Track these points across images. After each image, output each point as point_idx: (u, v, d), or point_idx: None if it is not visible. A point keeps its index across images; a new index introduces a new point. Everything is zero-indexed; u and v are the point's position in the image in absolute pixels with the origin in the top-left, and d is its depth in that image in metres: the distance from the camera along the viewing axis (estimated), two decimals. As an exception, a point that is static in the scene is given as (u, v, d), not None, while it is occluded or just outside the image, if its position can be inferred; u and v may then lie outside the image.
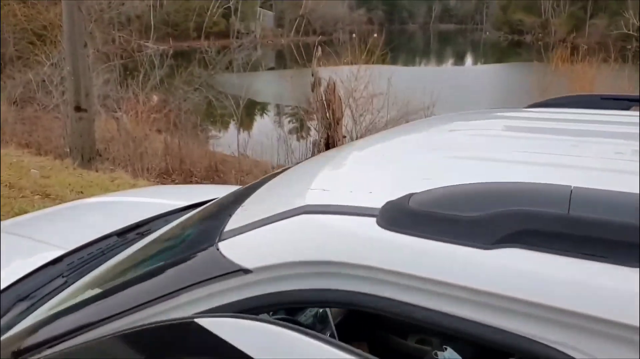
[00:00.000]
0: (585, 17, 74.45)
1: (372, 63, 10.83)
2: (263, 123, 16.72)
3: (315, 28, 80.00)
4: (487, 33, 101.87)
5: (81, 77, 8.23)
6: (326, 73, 9.34)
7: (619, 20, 62.63)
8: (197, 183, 9.63)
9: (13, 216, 4.62)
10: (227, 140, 12.06)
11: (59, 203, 5.48)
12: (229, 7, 67.80)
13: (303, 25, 72.37)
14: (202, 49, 21.77)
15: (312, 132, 10.12)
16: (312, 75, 8.67)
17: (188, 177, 9.81)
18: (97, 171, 8.13)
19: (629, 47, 53.50)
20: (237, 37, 71.76)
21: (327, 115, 8.54)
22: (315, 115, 8.71)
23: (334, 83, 8.55)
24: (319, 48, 9.12)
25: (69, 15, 7.97)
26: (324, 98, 8.55)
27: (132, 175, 8.32)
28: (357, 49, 10.70)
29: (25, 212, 4.79)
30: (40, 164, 7.86)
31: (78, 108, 8.33)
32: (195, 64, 18.77)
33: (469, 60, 60.97)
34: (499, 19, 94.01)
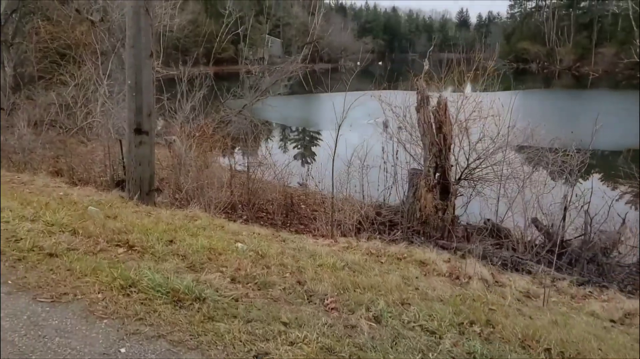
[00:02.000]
0: (591, 45, 74.59)
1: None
2: (320, 151, 15.20)
3: (322, 56, 79.91)
4: (490, 61, 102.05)
5: (144, 93, 6.78)
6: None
7: (627, 48, 62.82)
8: (270, 220, 8.09)
9: (113, 283, 3.12)
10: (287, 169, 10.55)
11: (153, 257, 3.93)
12: (238, 33, 67.49)
13: (310, 52, 72.07)
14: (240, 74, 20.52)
15: (400, 159, 8.63)
16: (418, 92, 7.23)
17: (259, 212, 8.29)
18: (162, 207, 6.60)
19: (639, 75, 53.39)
20: (246, 63, 71.51)
21: (438, 139, 7.09)
22: (422, 140, 7.23)
23: (445, 102, 7.13)
24: (428, 61, 7.72)
25: (135, 17, 6.57)
26: (432, 119, 7.11)
27: (204, 211, 6.79)
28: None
29: (129, 279, 3.24)
30: (93, 199, 6.32)
31: (139, 131, 6.84)
32: (234, 87, 17.44)
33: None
34: (503, 47, 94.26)
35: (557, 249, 6.05)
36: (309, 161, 11.08)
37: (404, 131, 8.44)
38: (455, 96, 7.55)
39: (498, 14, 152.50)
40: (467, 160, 7.65)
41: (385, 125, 9.70)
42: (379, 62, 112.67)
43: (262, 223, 7.83)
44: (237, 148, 13.14)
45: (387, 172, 9.46)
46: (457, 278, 4.71)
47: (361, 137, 11.28)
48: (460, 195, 7.45)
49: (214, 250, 4.24)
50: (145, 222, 5.10)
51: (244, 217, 7.93)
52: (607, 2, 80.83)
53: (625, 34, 65.94)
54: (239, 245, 4.59)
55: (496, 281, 4.84)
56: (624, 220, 6.10)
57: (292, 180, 10.73)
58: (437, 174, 7.13)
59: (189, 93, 13.19)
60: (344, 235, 6.98)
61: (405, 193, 8.24)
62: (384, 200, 8.80)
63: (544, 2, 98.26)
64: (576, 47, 77.29)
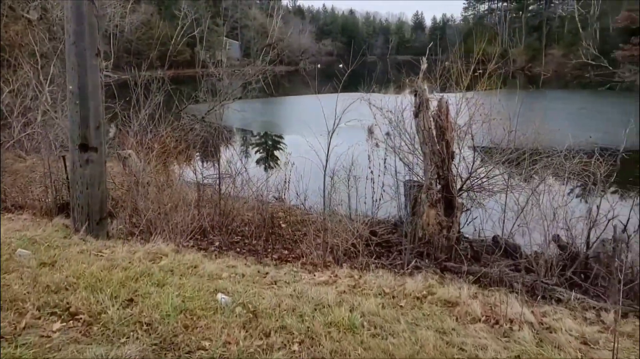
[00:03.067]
0: (541, 47, 76.77)
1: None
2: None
3: (282, 58, 78.66)
4: (448, 63, 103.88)
5: (90, 100, 5.55)
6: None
7: (575, 49, 65.03)
8: (247, 245, 6.95)
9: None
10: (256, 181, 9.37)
11: (104, 333, 2.79)
12: (194, 36, 65.33)
13: (270, 54, 70.73)
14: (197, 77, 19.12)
15: (390, 168, 7.69)
16: (416, 95, 6.30)
17: (235, 236, 7.14)
18: (117, 240, 5.39)
19: (587, 74, 55.38)
20: (203, 66, 69.40)
21: (440, 148, 6.18)
22: (422, 148, 6.31)
23: (447, 105, 6.23)
24: (424, 60, 6.80)
25: (76, 8, 5.34)
26: (433, 125, 6.20)
27: (167, 242, 5.61)
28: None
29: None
30: (25, 235, 5.04)
31: (85, 147, 5.60)
32: (194, 91, 16.09)
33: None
34: (459, 48, 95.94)
35: (581, 269, 5.26)
36: (286, 172, 9.96)
37: (396, 137, 7.49)
38: (448, 98, 6.61)
39: (452, 16, 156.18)
40: (470, 168, 6.78)
41: (371, 131, 8.76)
42: (339, 65, 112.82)
43: (239, 249, 6.71)
44: (202, 160, 11.91)
45: (374, 183, 8.51)
46: (497, 322, 3.79)
47: (341, 142, 10.33)
48: (467, 210, 6.57)
49: (190, 311, 3.13)
50: (95, 269, 3.91)
51: (217, 244, 6.78)
52: (553, 5, 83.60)
53: (571, 35, 68.18)
54: (221, 297, 3.50)
55: (541, 323, 3.95)
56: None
57: (267, 193, 9.64)
58: (440, 186, 6.22)
59: (145, 100, 11.81)
60: (338, 262, 5.97)
61: (403, 209, 7.31)
62: (373, 216, 7.85)
63: (495, 5, 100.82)
64: (528, 49, 79.38)
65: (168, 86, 14.05)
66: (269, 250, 6.73)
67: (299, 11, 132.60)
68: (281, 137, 23.38)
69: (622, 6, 51.18)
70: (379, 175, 8.75)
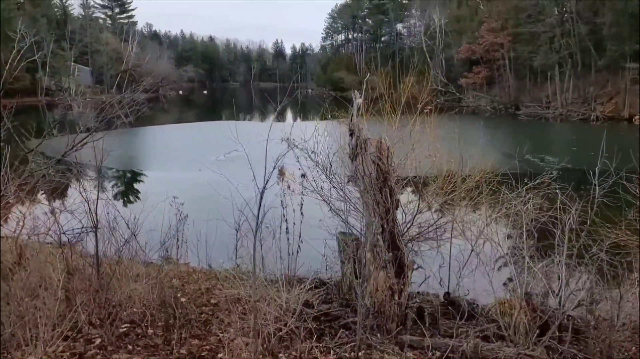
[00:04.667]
0: (396, 75, 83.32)
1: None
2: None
3: (139, 84, 73.77)
4: (311, 90, 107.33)
5: None
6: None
7: (424, 78, 71.73)
8: (141, 338, 5.22)
9: None
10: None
11: None
12: (35, 60, 58.03)
13: (126, 81, 65.64)
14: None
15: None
16: (352, 135, 5.33)
17: (122, 325, 5.33)
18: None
19: (438, 100, 61.44)
20: (47, 95, 61.85)
21: (383, 196, 5.26)
22: (362, 197, 5.33)
23: (387, 146, 5.35)
24: (357, 94, 5.83)
25: None
26: (374, 169, 5.27)
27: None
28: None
29: None
30: None
31: None
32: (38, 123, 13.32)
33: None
34: (320, 77, 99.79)
35: (561, 333, 4.66)
36: (174, 221, 8.26)
37: (320, 180, 6.42)
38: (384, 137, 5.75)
39: (310, 45, 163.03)
40: (404, 213, 5.94)
41: (282, 172, 7.62)
42: (203, 91, 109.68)
43: (130, 347, 5.00)
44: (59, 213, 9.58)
45: (289, 233, 7.34)
46: None
47: (215, 180, 8.98)
48: (418, 268, 5.69)
49: None
50: None
51: (99, 341, 4.98)
52: (403, 37, 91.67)
53: (421, 64, 75.20)
54: None
55: None
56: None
57: (152, 252, 7.88)
58: (385, 242, 5.27)
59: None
60: (271, 353, 4.66)
61: (327, 265, 6.23)
62: (294, 277, 6.65)
63: (351, 35, 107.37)
64: (384, 77, 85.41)
65: (6, 120, 11.27)
66: (173, 342, 5.11)
67: (155, 36, 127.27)
68: (145, 175, 20.96)
69: (462, 39, 57.52)
70: (294, 224, 7.63)
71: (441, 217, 5.70)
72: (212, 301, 6.46)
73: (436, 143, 5.90)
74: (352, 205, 5.97)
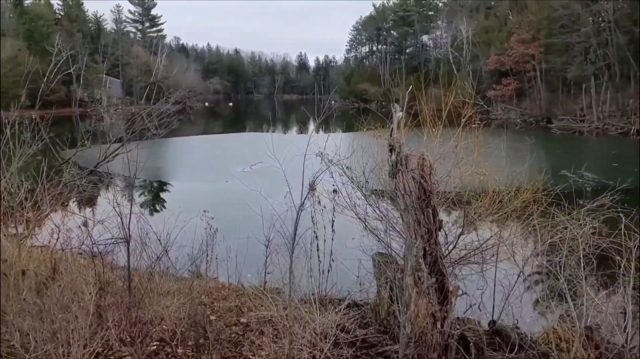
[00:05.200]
0: (421, 86, 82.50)
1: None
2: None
3: (167, 96, 75.14)
4: (334, 102, 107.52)
5: None
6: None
7: (451, 89, 70.91)
8: (173, 358, 5.06)
9: None
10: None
11: None
12: (70, 73, 59.73)
13: (155, 92, 66.90)
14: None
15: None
16: (392, 151, 5.09)
17: (152, 343, 5.18)
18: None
19: (466, 113, 60.54)
20: (80, 106, 63.46)
21: (425, 216, 4.99)
22: (403, 217, 5.07)
23: (430, 163, 5.10)
24: (397, 108, 5.61)
25: None
26: (416, 187, 5.01)
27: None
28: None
29: None
30: None
31: None
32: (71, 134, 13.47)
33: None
34: (344, 88, 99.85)
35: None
36: (205, 235, 8.14)
37: (356, 197, 6.18)
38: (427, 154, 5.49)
39: (334, 58, 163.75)
40: (446, 234, 5.64)
41: (313, 187, 7.40)
42: (229, 103, 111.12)
43: (162, 369, 4.83)
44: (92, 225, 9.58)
45: (320, 252, 7.11)
46: None
47: (243, 192, 8.80)
48: (462, 294, 5.37)
49: None
50: None
51: (131, 361, 4.84)
52: (429, 49, 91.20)
53: (448, 76, 74.57)
54: None
55: None
56: None
57: (181, 266, 7.76)
58: (427, 266, 4.99)
59: (14, 148, 9.24)
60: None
61: (362, 286, 5.97)
62: (325, 297, 6.41)
63: (376, 47, 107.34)
64: (409, 88, 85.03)
65: (43, 131, 11.40)
66: (205, 364, 4.93)
67: (182, 49, 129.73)
68: (172, 185, 21.05)
69: (490, 50, 56.74)
70: (324, 241, 7.40)
71: (487, 239, 5.38)
72: (242, 320, 6.26)
73: (481, 159, 5.60)
74: (390, 224, 5.71)
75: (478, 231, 5.50)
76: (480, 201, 5.54)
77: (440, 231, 5.19)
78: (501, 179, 5.69)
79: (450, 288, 5.04)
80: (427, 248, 5.02)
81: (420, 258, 4.96)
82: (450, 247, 5.58)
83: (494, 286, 5.35)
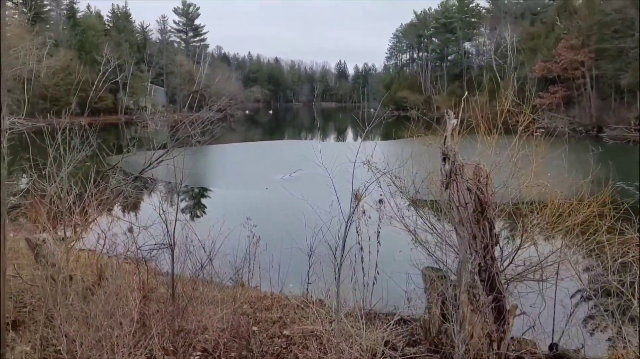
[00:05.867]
0: (463, 94, 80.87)
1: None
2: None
3: (209, 104, 76.77)
4: (373, 110, 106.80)
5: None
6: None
7: (494, 97, 69.25)
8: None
9: None
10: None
11: None
12: (117, 82, 61.93)
13: (197, 100, 68.46)
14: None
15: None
16: (445, 160, 4.83)
17: (194, 353, 5.09)
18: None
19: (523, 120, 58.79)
20: (126, 113, 65.66)
21: (481, 229, 4.71)
22: (457, 230, 4.80)
23: (487, 173, 4.82)
24: (451, 114, 5.36)
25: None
26: (470, 198, 4.73)
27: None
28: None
29: None
30: None
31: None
32: (117, 140, 13.75)
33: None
34: (384, 96, 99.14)
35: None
36: (247, 244, 8.05)
37: (404, 208, 5.94)
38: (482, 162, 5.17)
39: (373, 65, 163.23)
40: (501, 249, 5.31)
41: (357, 196, 7.19)
42: (269, 111, 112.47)
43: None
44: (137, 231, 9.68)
45: (364, 264, 6.88)
46: None
47: (284, 200, 8.64)
48: (520, 314, 5.04)
49: None
50: None
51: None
52: (471, 56, 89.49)
53: (491, 84, 72.74)
54: None
55: None
56: None
57: (224, 274, 7.72)
58: (482, 282, 4.69)
59: (65, 154, 9.45)
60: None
61: (425, 309, 5.69)
62: (371, 311, 6.16)
63: (417, 55, 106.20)
64: (450, 96, 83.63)
65: (91, 138, 11.64)
66: (249, 377, 4.79)
67: (224, 58, 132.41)
68: (214, 192, 21.25)
69: (537, 57, 55.04)
70: (369, 252, 7.17)
71: (548, 256, 5.01)
72: (285, 332, 6.10)
73: (540, 170, 5.25)
74: (441, 237, 5.43)
75: (537, 246, 5.14)
76: (539, 214, 5.18)
77: (496, 246, 4.88)
78: (562, 191, 5.31)
79: (508, 307, 4.73)
80: (482, 264, 4.74)
81: (476, 275, 4.68)
82: (507, 263, 5.25)
83: (554, 305, 4.98)
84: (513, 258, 5.09)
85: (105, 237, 6.66)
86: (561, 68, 49.70)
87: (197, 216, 16.44)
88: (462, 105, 5.35)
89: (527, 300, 5.58)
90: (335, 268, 5.18)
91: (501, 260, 5.39)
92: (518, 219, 5.13)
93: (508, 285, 5.50)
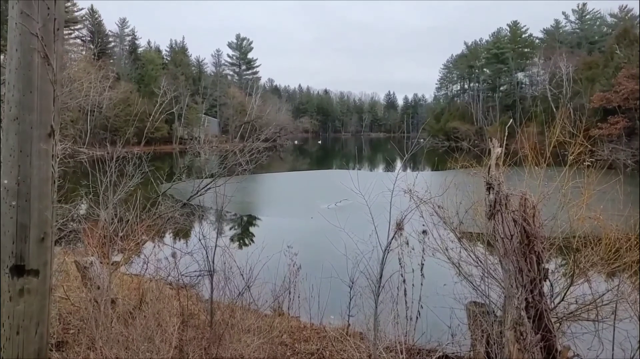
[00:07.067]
0: (516, 125, 78.87)
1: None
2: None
3: (258, 134, 78.80)
4: (423, 140, 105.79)
5: (34, 201, 3.72)
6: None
7: (548, 128, 66.97)
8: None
9: None
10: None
11: None
12: (173, 113, 64.80)
13: (248, 131, 70.34)
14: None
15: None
16: (490, 189, 4.66)
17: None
18: None
19: (566, 152, 56.59)
20: (180, 143, 68.32)
21: (529, 263, 4.46)
22: (502, 263, 4.57)
23: (534, 203, 4.59)
24: (495, 143, 5.22)
25: (23, 71, 3.65)
26: (518, 230, 4.51)
27: None
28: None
29: None
30: None
31: (20, 270, 3.70)
32: (170, 169, 14.23)
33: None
34: (433, 126, 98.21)
35: None
36: (287, 273, 8.01)
37: (447, 240, 5.75)
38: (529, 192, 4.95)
39: (423, 96, 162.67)
40: (551, 285, 5.01)
41: (400, 227, 7.04)
42: (318, 141, 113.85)
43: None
44: (180, 256, 9.87)
45: (407, 297, 6.67)
46: None
47: (327, 229, 8.53)
48: (574, 357, 4.70)
49: None
50: None
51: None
52: (524, 87, 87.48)
53: (546, 114, 70.59)
54: None
55: None
56: None
57: (263, 302, 7.64)
58: (530, 320, 4.41)
59: (119, 181, 9.87)
60: None
61: (469, 347, 5.43)
62: (414, 346, 5.92)
63: (467, 85, 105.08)
64: (502, 126, 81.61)
65: (145, 166, 12.11)
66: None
67: (275, 90, 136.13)
68: (260, 219, 21.47)
69: (595, 86, 53.09)
70: (412, 285, 6.95)
71: (604, 294, 4.67)
72: (323, 364, 5.96)
73: (593, 202, 4.96)
74: (486, 270, 5.19)
75: (591, 283, 4.80)
76: (593, 248, 4.87)
77: (545, 281, 4.60)
78: (618, 224, 4.98)
79: (559, 348, 4.41)
80: (530, 300, 4.47)
81: (522, 311, 4.41)
82: (557, 300, 4.93)
83: (612, 348, 4.60)
84: (565, 295, 4.77)
85: (148, 261, 6.83)
86: (622, 98, 47.61)
87: (240, 244, 16.62)
88: (506, 134, 5.14)
89: (583, 342, 5.20)
90: (375, 302, 5.03)
91: (552, 296, 5.08)
92: (569, 254, 4.83)
93: (560, 324, 5.15)
